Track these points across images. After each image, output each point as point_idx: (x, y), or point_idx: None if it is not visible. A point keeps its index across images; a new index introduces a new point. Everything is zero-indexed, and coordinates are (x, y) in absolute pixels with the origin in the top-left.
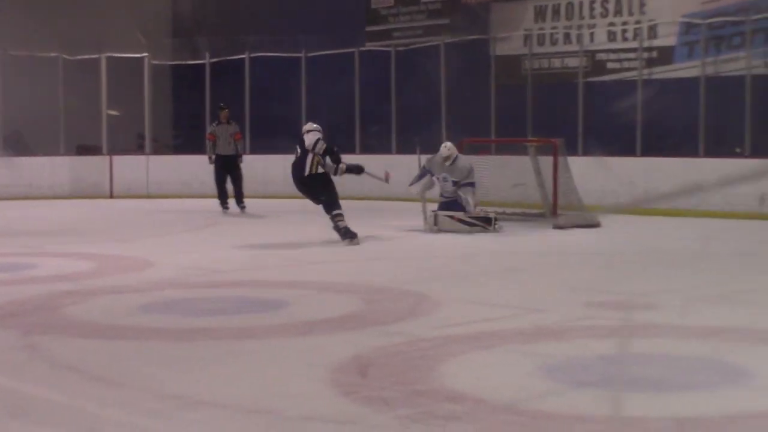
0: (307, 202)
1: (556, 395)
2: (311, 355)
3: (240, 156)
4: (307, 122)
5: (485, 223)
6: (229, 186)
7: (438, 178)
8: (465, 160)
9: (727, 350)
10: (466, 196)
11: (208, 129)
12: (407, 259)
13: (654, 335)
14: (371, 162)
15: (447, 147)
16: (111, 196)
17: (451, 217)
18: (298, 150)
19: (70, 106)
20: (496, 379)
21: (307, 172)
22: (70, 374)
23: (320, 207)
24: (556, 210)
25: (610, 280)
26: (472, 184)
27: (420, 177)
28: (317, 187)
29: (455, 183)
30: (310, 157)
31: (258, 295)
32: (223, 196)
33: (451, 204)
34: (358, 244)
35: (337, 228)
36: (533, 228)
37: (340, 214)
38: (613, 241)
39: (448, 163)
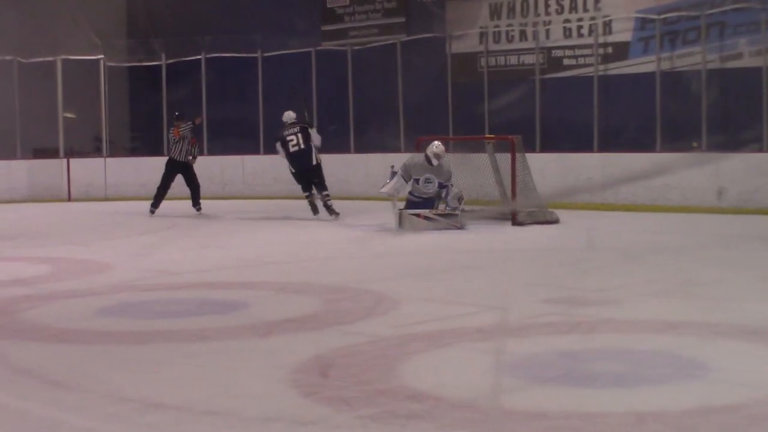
0: (267, 203)
1: (516, 392)
2: (271, 356)
3: (194, 158)
4: (284, 113)
5: (451, 219)
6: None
7: (418, 180)
8: (448, 162)
9: (685, 344)
10: (453, 195)
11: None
12: (366, 258)
13: (613, 330)
14: (329, 160)
15: (441, 147)
16: (69, 199)
17: (417, 215)
18: (300, 141)
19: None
20: (456, 377)
21: (314, 162)
22: (27, 379)
23: (277, 207)
24: (515, 207)
25: (569, 276)
26: (450, 186)
27: (392, 178)
28: (317, 174)
29: (440, 185)
30: (314, 150)
31: (217, 297)
32: (159, 199)
33: (419, 205)
34: (337, 219)
35: (327, 205)
36: (492, 225)
37: (329, 195)
38: (572, 237)
39: (435, 163)
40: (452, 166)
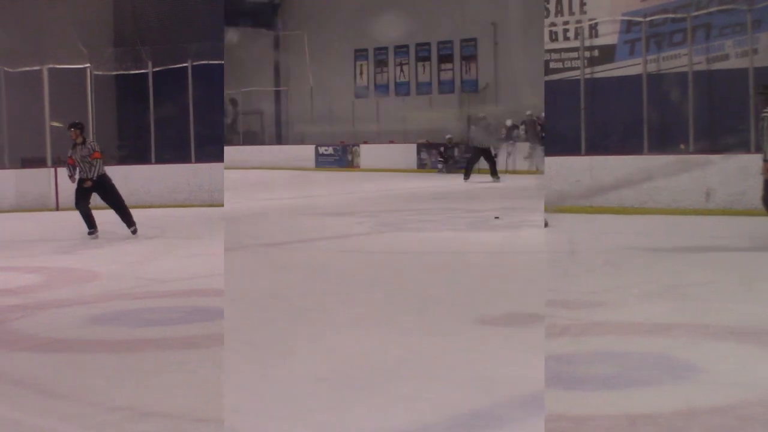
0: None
1: None
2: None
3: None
4: None
5: None
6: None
7: None
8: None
9: (676, 346)
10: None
11: (69, 153)
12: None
13: (603, 333)
14: None
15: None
16: (57, 209)
17: None
18: None
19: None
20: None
21: None
22: (18, 389)
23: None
24: None
25: (559, 279)
26: None
27: None
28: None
29: None
30: None
31: (207, 304)
32: (89, 219)
33: None
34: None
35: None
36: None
37: None
38: (561, 240)
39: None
40: None
